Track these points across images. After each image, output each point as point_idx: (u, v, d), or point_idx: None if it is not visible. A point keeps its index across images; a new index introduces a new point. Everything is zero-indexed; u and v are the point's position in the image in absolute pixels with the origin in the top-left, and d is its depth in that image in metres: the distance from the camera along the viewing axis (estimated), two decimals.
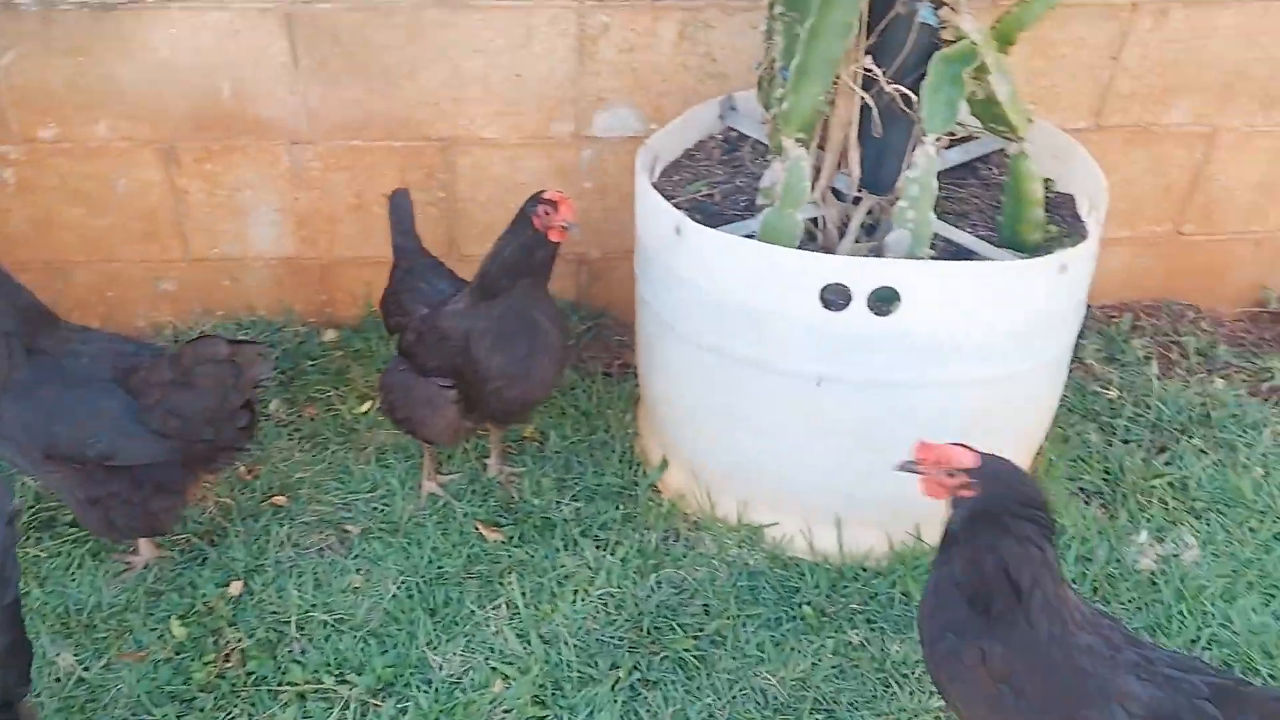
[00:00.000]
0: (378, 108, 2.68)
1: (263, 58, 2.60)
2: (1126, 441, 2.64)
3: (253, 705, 2.00)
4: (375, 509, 2.42)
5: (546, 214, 2.08)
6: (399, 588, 2.23)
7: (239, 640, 2.11)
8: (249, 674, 2.05)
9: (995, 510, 1.53)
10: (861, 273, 1.97)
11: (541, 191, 2.12)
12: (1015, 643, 1.54)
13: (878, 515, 2.28)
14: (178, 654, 2.09)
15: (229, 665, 2.07)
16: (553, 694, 2.03)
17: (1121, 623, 1.66)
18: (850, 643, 2.13)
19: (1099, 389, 2.79)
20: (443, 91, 2.67)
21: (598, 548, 2.32)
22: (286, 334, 2.91)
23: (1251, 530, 2.40)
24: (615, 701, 2.01)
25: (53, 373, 2.06)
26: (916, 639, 1.90)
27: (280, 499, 2.44)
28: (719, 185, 2.43)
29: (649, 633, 2.15)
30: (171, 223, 2.82)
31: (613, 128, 2.73)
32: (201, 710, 1.99)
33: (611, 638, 2.13)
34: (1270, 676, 2.07)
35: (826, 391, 2.08)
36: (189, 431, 2.06)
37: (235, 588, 2.22)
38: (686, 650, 2.11)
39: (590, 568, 2.27)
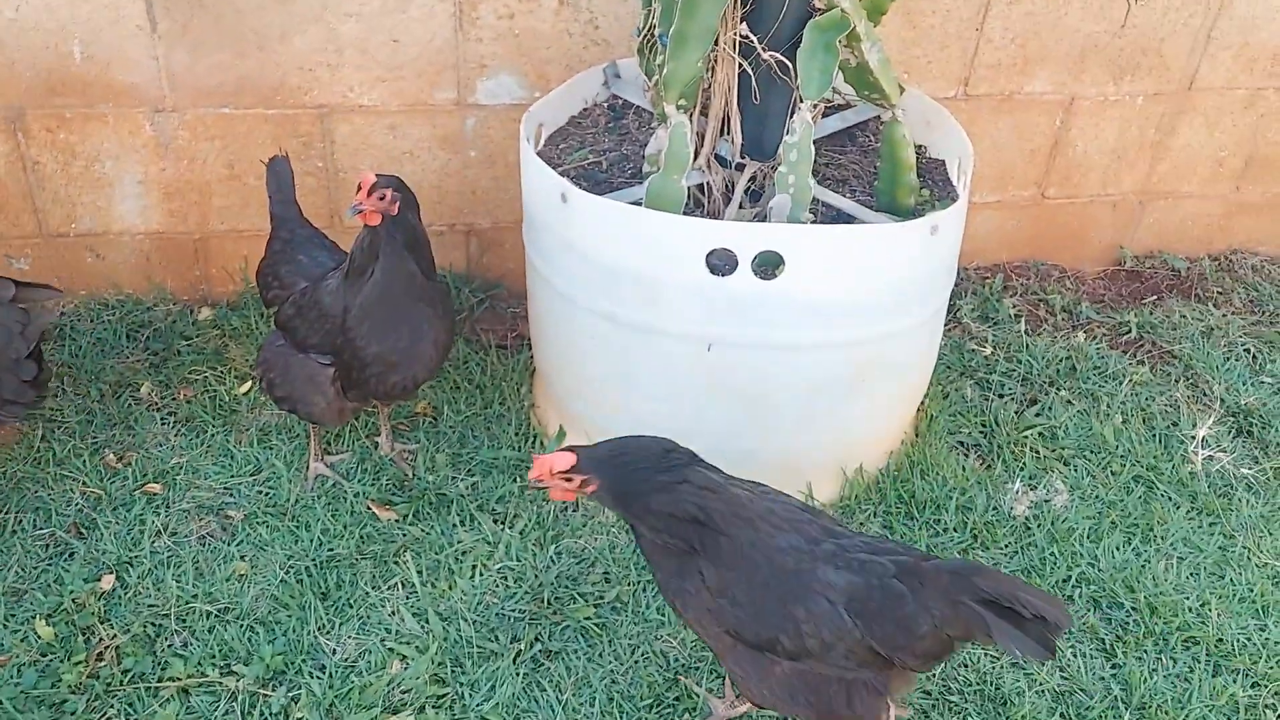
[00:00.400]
0: (249, 73, 2.56)
1: (117, 19, 2.44)
2: (1001, 396, 2.78)
3: (130, 705, 1.91)
4: (260, 493, 2.33)
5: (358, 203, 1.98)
6: (287, 573, 2.16)
7: (113, 637, 2.01)
8: (125, 672, 1.96)
9: (621, 485, 1.64)
10: (745, 237, 2.00)
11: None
12: (723, 558, 1.63)
13: (771, 475, 2.27)
14: (44, 656, 1.98)
15: (102, 664, 1.97)
16: (452, 671, 2.01)
17: (825, 515, 1.76)
18: None
19: (975, 346, 2.93)
20: (318, 57, 2.57)
21: (495, 522, 2.30)
22: (158, 313, 2.76)
23: (1113, 473, 2.57)
24: (517, 674, 2.00)
25: None
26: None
27: (154, 487, 2.32)
28: (606, 153, 2.42)
29: (550, 604, 2.14)
30: (22, 195, 2.63)
31: (497, 95, 2.68)
32: (73, 713, 1.89)
33: (512, 611, 2.12)
34: (1132, 608, 2.22)
35: (717, 355, 2.10)
36: None
37: (107, 582, 2.11)
38: (588, 619, 2.11)
39: (488, 542, 2.25)
